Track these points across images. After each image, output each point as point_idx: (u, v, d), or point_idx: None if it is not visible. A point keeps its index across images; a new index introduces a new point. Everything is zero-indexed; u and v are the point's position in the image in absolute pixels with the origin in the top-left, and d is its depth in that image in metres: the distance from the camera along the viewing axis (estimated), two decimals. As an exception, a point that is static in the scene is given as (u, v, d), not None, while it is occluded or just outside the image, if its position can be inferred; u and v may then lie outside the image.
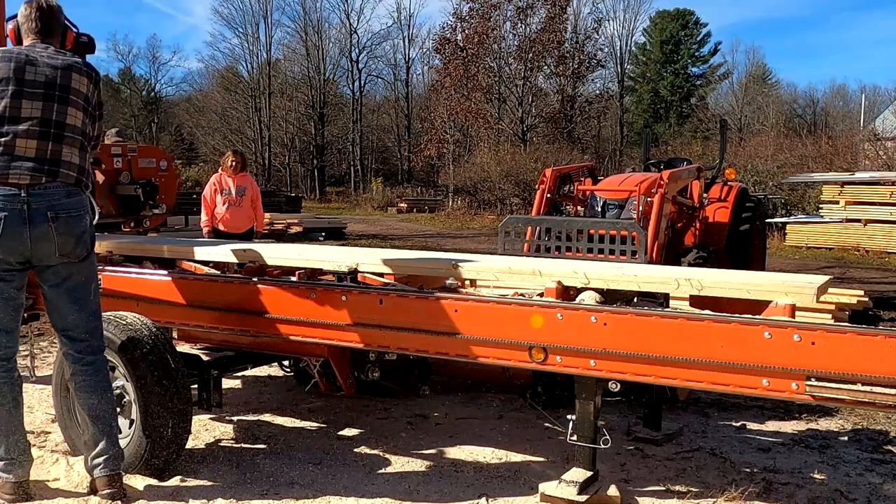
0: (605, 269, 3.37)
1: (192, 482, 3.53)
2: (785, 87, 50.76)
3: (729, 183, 7.81)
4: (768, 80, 50.18)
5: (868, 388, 2.60)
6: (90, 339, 3.32)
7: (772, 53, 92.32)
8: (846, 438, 4.42)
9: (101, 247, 4.62)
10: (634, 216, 6.04)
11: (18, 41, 3.37)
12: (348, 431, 4.36)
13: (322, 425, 4.47)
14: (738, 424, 4.60)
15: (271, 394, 5.12)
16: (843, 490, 3.62)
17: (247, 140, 46.84)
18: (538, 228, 5.22)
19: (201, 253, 4.28)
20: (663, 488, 3.60)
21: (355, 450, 4.06)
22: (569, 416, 3.30)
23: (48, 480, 3.49)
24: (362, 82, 48.91)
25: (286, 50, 49.15)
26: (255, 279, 3.80)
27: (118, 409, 3.57)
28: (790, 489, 3.63)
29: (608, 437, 3.27)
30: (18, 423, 3.31)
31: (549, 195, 6.59)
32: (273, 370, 5.44)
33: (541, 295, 3.32)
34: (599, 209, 6.50)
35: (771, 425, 4.61)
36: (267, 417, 4.60)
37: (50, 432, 4.21)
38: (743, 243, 7.58)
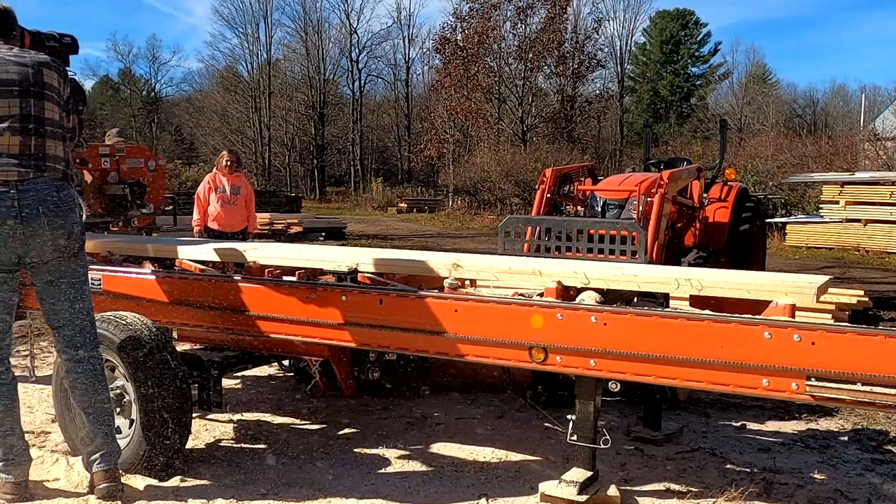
0: (605, 269, 3.37)
1: (192, 482, 3.53)
2: (785, 87, 50.84)
3: (729, 183, 7.81)
4: (768, 80, 50.18)
5: (868, 388, 2.60)
6: (84, 335, 3.33)
7: (772, 53, 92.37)
8: (846, 438, 4.42)
9: (96, 246, 4.62)
10: (634, 216, 6.04)
11: None
12: (348, 431, 4.36)
13: (322, 425, 4.47)
14: (738, 424, 4.60)
15: (271, 394, 5.12)
16: (843, 490, 3.62)
17: (247, 140, 46.86)
18: (538, 228, 5.22)
19: (184, 251, 4.29)
20: (663, 488, 3.60)
21: (355, 450, 4.06)
22: (569, 416, 3.30)
23: (48, 480, 3.49)
24: (362, 82, 49.00)
25: (286, 50, 49.24)
26: (255, 279, 3.80)
27: (118, 409, 3.57)
28: (790, 489, 3.63)
29: (608, 437, 3.27)
30: (15, 423, 3.31)
31: (549, 195, 6.59)
32: (273, 370, 5.44)
33: (541, 295, 3.32)
34: (599, 209, 6.50)
35: (771, 425, 4.61)
36: (267, 417, 4.60)
37: (50, 432, 4.21)
38: (743, 243, 7.58)
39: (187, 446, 3.71)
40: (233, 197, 7.81)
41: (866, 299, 7.75)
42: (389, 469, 3.82)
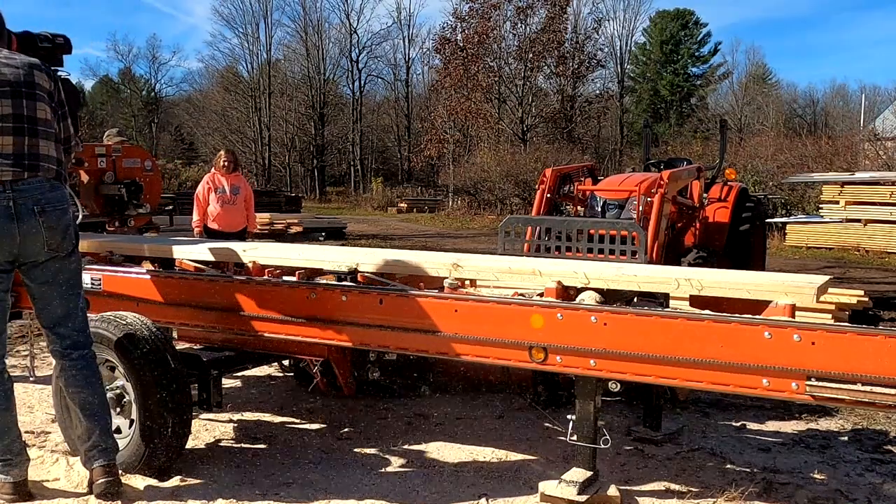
0: (605, 269, 3.37)
1: (192, 482, 3.53)
2: (785, 87, 50.81)
3: (729, 183, 7.82)
4: (768, 80, 50.18)
5: (868, 388, 2.60)
6: (78, 334, 3.33)
7: (772, 53, 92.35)
8: (846, 438, 4.42)
9: (96, 246, 4.62)
10: (634, 216, 6.04)
11: None
12: (348, 431, 4.36)
13: (322, 425, 4.47)
14: (738, 424, 4.60)
15: (271, 394, 5.12)
16: (843, 490, 3.62)
17: (247, 140, 46.87)
18: (538, 228, 5.22)
19: (184, 251, 4.29)
20: (663, 488, 3.60)
21: (355, 450, 4.06)
22: (569, 416, 3.30)
23: (48, 480, 3.49)
24: (362, 82, 49.02)
25: (286, 50, 49.27)
26: (255, 279, 3.80)
27: (118, 409, 3.57)
28: (790, 489, 3.63)
29: (608, 437, 3.27)
30: (12, 423, 3.31)
31: (549, 195, 6.60)
32: (273, 370, 5.44)
33: (541, 295, 3.32)
34: (599, 209, 6.50)
35: (771, 425, 4.61)
36: (267, 417, 4.60)
37: (50, 432, 4.21)
38: (743, 243, 7.58)
39: (187, 446, 3.71)
40: (232, 197, 7.82)
41: (866, 299, 7.75)
42: (389, 469, 3.82)
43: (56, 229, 3.20)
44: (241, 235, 7.83)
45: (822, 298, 3.15)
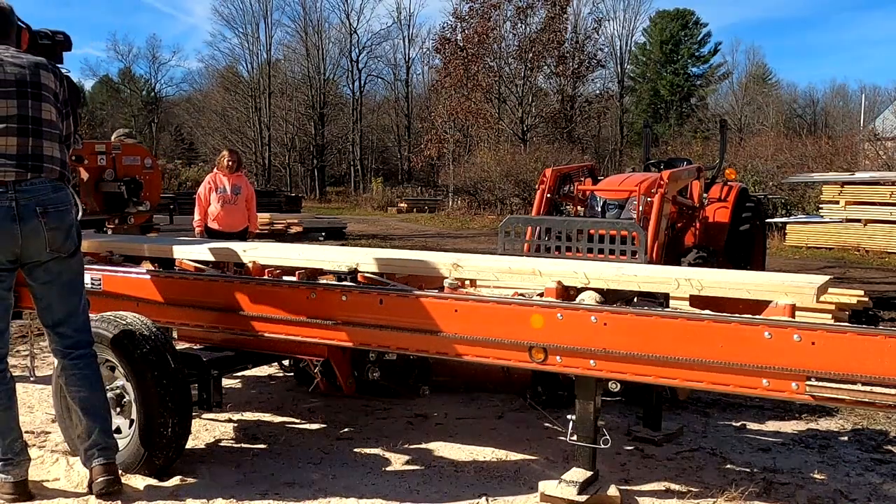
0: (605, 269, 3.37)
1: (192, 482, 3.53)
2: (785, 87, 50.80)
3: (729, 183, 7.82)
4: (768, 80, 50.18)
5: (868, 388, 2.60)
6: (79, 333, 3.34)
7: (772, 53, 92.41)
8: (846, 438, 4.42)
9: (96, 246, 4.62)
10: (634, 216, 6.04)
11: None
12: (348, 431, 4.36)
13: (322, 425, 4.47)
14: (738, 424, 4.60)
15: (271, 394, 5.12)
16: (843, 490, 3.62)
17: (247, 140, 46.84)
18: (538, 228, 5.22)
19: (185, 251, 4.29)
20: (663, 488, 3.60)
21: (355, 450, 4.06)
22: (569, 416, 3.30)
23: (48, 480, 3.49)
24: (362, 82, 48.99)
25: (286, 50, 49.24)
26: (255, 279, 3.80)
27: (118, 409, 3.57)
28: (790, 489, 3.63)
29: (608, 437, 3.27)
30: (13, 423, 3.31)
31: (549, 195, 6.60)
32: (273, 370, 5.44)
33: (541, 295, 3.32)
34: (599, 209, 6.50)
35: (771, 425, 4.61)
36: (267, 417, 4.60)
37: (50, 432, 4.21)
38: (743, 243, 7.58)
39: (187, 446, 3.71)
40: (233, 197, 7.82)
41: (866, 299, 7.75)
42: (389, 469, 3.82)
43: (58, 230, 3.20)
44: (242, 236, 7.82)
45: (822, 298, 3.15)
